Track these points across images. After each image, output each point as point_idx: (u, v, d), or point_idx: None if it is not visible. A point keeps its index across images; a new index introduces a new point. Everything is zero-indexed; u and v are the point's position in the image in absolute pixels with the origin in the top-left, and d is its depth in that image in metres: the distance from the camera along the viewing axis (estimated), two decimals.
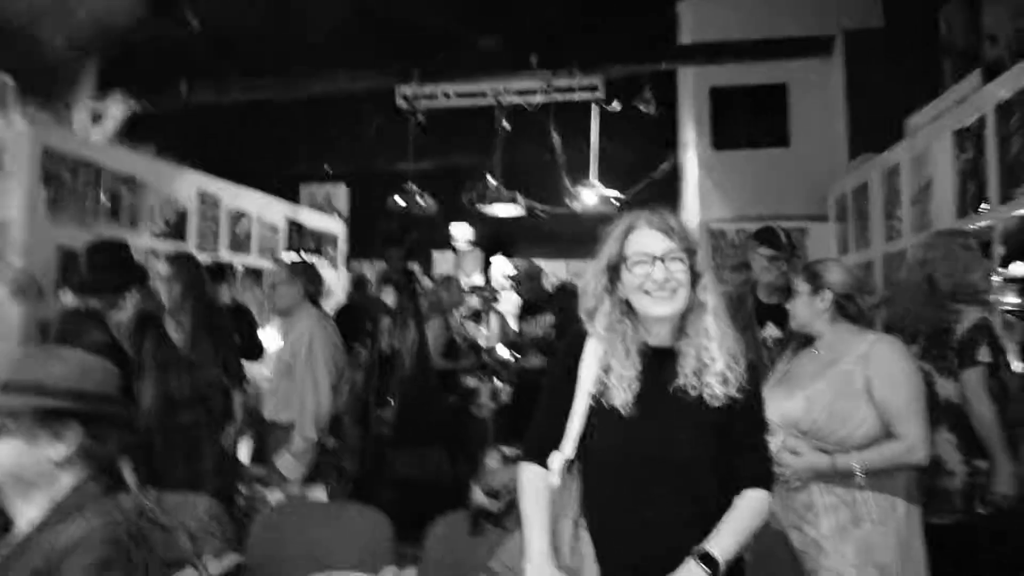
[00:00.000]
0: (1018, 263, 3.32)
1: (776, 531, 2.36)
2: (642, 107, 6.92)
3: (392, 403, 4.71)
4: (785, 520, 2.43)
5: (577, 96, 7.03)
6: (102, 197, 5.02)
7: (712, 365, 1.70)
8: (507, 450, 2.80)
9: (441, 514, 2.58)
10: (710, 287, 1.73)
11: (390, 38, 7.36)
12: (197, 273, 3.95)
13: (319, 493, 3.67)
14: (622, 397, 1.69)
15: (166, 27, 6.45)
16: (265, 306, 6.60)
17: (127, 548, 1.48)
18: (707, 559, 1.61)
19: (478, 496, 2.44)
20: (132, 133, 6.81)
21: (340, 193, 10.20)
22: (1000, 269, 3.39)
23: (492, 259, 10.99)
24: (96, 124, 6.71)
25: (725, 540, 1.65)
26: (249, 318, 5.42)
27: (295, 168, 10.01)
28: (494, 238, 10.91)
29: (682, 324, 1.74)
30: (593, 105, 7.09)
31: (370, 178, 9.30)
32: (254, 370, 5.21)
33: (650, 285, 1.69)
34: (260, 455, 4.19)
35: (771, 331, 3.55)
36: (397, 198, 7.26)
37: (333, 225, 9.07)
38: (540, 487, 1.76)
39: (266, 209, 7.33)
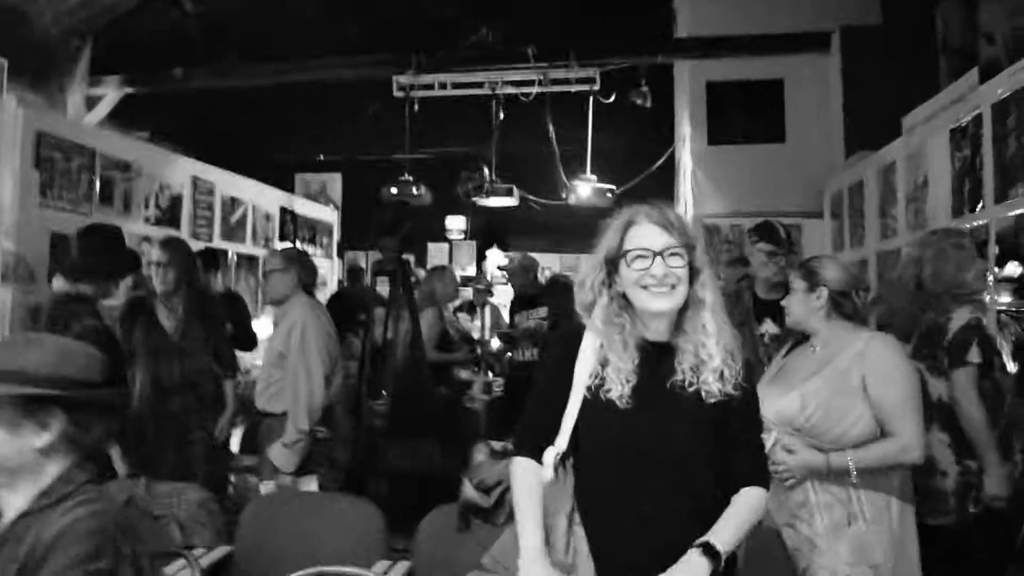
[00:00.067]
0: (1013, 263, 3.33)
1: (769, 529, 2.36)
2: (638, 101, 6.91)
3: (385, 394, 4.70)
4: (779, 518, 2.43)
5: (574, 88, 7.02)
6: (95, 182, 4.98)
7: (709, 361, 1.69)
8: (496, 444, 2.79)
9: (433, 506, 2.57)
10: (709, 283, 1.72)
11: (388, 27, 7.33)
12: (189, 259, 3.93)
13: (311, 484, 3.66)
14: (619, 390, 1.68)
15: (161, 11, 6.41)
16: (258, 295, 6.59)
17: (114, 538, 1.46)
18: (709, 550, 1.61)
19: (468, 491, 2.42)
20: (126, 118, 6.77)
21: (335, 182, 10.18)
22: (995, 269, 3.39)
23: (487, 251, 11.00)
24: (90, 108, 6.66)
25: (726, 534, 1.65)
26: (242, 306, 5.40)
27: (290, 156, 9.98)
28: (488, 230, 10.91)
29: (680, 320, 1.73)
30: (589, 98, 7.08)
31: (365, 167, 9.28)
32: (246, 359, 5.20)
33: (648, 280, 1.68)
34: (251, 445, 4.18)
35: (769, 327, 3.55)
36: (392, 188, 7.24)
37: (327, 214, 9.03)
38: (533, 481, 1.75)
39: (260, 197, 7.29)
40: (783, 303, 2.67)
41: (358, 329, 5.08)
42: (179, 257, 3.80)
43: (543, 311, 5.76)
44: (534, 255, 6.47)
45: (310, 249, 7.90)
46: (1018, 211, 3.30)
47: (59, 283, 3.60)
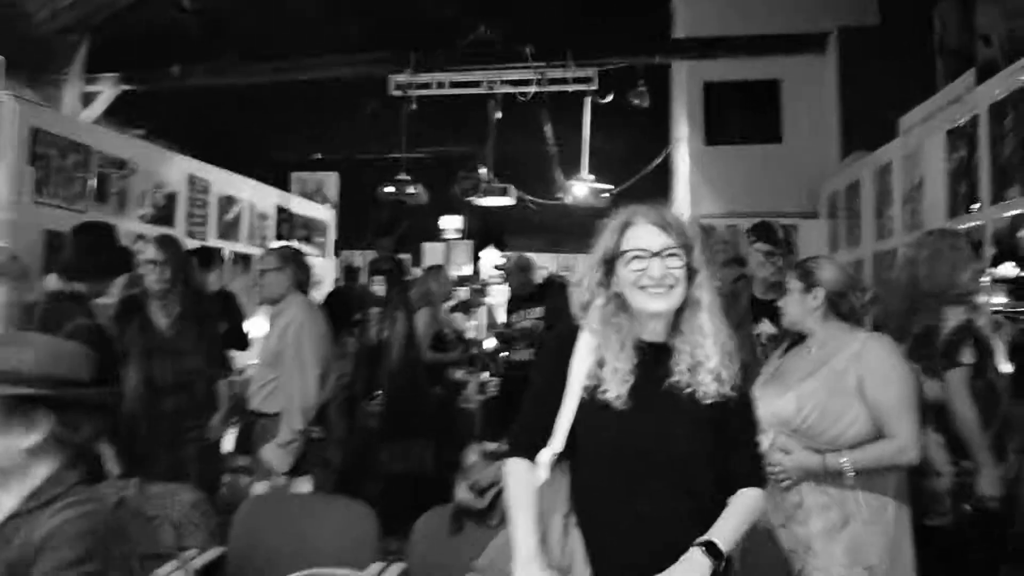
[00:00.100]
0: (1008, 263, 3.33)
1: (764, 530, 2.35)
2: (635, 101, 6.91)
3: (379, 394, 4.68)
4: (774, 519, 2.42)
5: (571, 88, 7.02)
6: (90, 180, 4.96)
7: (707, 362, 1.68)
8: (489, 446, 2.78)
9: (427, 508, 2.55)
10: (706, 284, 1.72)
11: (386, 26, 7.33)
12: (184, 258, 3.91)
13: (304, 484, 3.64)
14: (616, 391, 1.67)
15: (158, 8, 6.39)
16: (253, 294, 6.57)
17: (104, 540, 1.45)
18: (712, 549, 1.60)
19: (462, 493, 2.40)
20: (122, 115, 6.75)
21: (331, 181, 10.15)
22: (990, 269, 3.39)
23: (482, 251, 10.97)
24: (86, 105, 6.65)
25: (726, 533, 1.64)
26: (236, 305, 5.38)
27: (287, 155, 9.96)
28: (484, 229, 10.90)
29: (677, 320, 1.72)
30: (587, 98, 7.07)
31: (361, 166, 9.26)
32: (240, 358, 5.18)
33: (646, 281, 1.67)
34: (245, 445, 4.16)
35: (766, 327, 3.53)
36: (388, 187, 7.22)
37: (323, 213, 9.01)
38: (527, 482, 1.74)
39: (256, 196, 7.27)
40: (779, 303, 2.66)
41: (353, 329, 5.06)
42: (174, 256, 3.77)
43: (539, 311, 5.75)
44: (530, 255, 6.46)
45: (306, 248, 7.88)
46: (1014, 212, 3.30)
47: (52, 281, 3.58)
